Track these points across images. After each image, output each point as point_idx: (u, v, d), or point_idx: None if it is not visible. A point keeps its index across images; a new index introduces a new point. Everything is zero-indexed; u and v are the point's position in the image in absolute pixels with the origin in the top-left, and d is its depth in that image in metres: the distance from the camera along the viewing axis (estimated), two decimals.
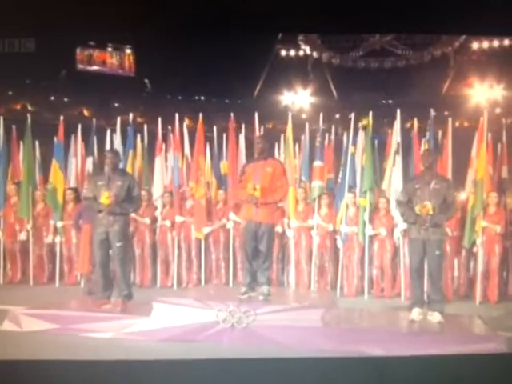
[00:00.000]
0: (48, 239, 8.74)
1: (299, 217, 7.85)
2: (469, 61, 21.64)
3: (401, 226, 7.38)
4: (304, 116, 25.57)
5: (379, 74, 22.39)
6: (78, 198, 8.90)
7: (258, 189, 5.51)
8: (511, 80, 21.18)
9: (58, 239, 8.72)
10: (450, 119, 8.11)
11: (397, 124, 7.86)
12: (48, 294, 7.97)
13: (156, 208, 8.71)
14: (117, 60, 25.67)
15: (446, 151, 7.82)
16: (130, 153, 8.67)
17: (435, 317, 5.25)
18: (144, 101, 25.37)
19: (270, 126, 22.59)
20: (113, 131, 9.37)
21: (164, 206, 8.64)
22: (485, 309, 6.66)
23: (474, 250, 7.25)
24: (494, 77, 21.65)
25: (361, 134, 8.38)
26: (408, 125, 20.07)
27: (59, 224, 8.65)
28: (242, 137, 9.17)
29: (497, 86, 21.99)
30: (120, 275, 6.07)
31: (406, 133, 9.25)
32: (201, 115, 8.73)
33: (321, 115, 9.00)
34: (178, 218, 8.39)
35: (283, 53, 26.70)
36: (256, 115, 9.34)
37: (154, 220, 8.64)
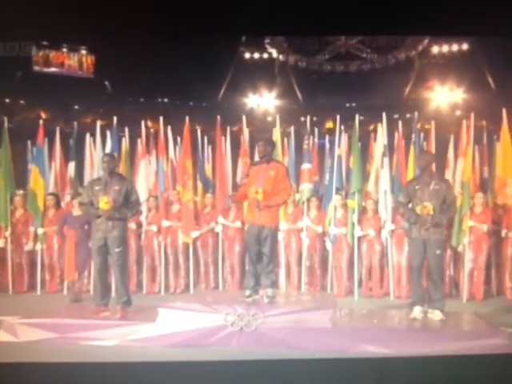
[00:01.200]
0: (28, 246, 8.48)
1: (289, 219, 7.90)
2: (431, 64, 22.28)
3: (388, 226, 7.56)
4: (269, 119, 25.82)
5: (344, 77, 22.75)
6: (58, 204, 8.71)
7: (261, 192, 5.55)
8: (471, 83, 21.97)
9: (38, 246, 8.50)
10: (433, 122, 8.32)
11: (383, 127, 8.00)
12: (30, 303, 7.75)
13: (141, 213, 8.58)
14: (75, 61, 25.14)
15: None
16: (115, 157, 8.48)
17: (436, 315, 5.39)
18: (104, 103, 24.91)
19: (236, 129, 22.69)
20: (92, 135, 9.22)
21: (149, 210, 8.52)
22: (473, 306, 6.84)
23: (459, 249, 7.47)
24: (454, 80, 22.40)
25: (344, 136, 8.50)
26: (371, 127, 20.62)
27: (40, 231, 8.43)
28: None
29: (457, 89, 22.76)
30: (119, 281, 5.95)
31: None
32: (187, 118, 8.63)
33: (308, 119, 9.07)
34: (165, 223, 8.29)
35: (247, 55, 26.78)
36: (218, 118, 9.30)
37: (139, 225, 8.53)
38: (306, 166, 7.99)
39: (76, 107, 25.27)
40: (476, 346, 4.70)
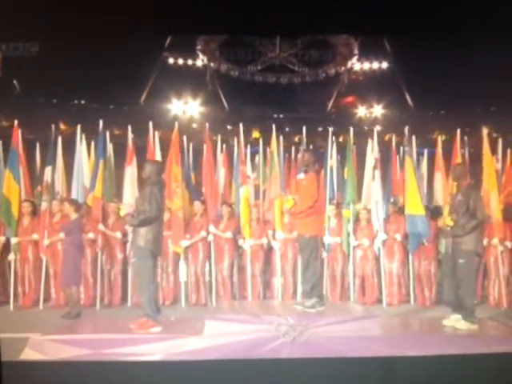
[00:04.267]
0: None
1: (285, 228, 8.00)
2: (356, 80, 23.48)
3: (380, 236, 7.92)
4: (195, 125, 25.70)
5: (273, 89, 23.28)
6: (34, 212, 8.13)
7: (289, 200, 5.70)
8: (391, 99, 23.48)
9: (12, 257, 7.89)
10: (413, 136, 8.78)
11: (374, 140, 8.37)
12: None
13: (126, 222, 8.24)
14: None
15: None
16: (101, 162, 8.10)
17: (462, 324, 5.61)
18: (12, 103, 23.43)
19: (160, 134, 22.32)
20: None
21: None
22: None
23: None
24: (375, 96, 23.83)
25: (334, 147, 8.76)
26: (296, 138, 21.32)
27: (14, 240, 7.83)
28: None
29: (377, 106, 24.22)
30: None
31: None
32: (176, 124, 8.48)
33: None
34: None
35: (171, 60, 26.52)
36: (207, 125, 9.34)
37: (125, 234, 8.19)
38: (301, 176, 8.10)
39: None
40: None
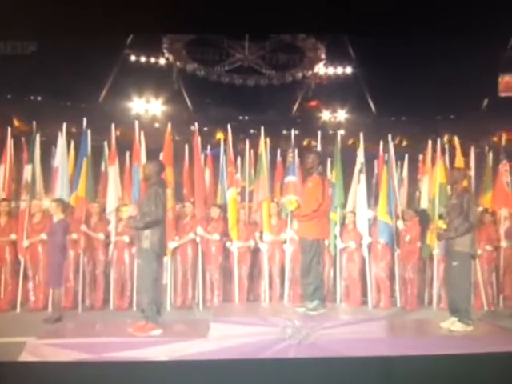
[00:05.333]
0: None
1: (273, 231, 7.98)
2: (321, 85, 23.74)
3: (366, 239, 8.03)
4: (157, 125, 25.32)
5: (240, 90, 23.25)
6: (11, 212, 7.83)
7: (292, 202, 5.72)
8: (355, 105, 23.88)
9: None
10: (390, 142, 8.90)
11: (361, 146, 8.47)
12: None
13: (109, 222, 8.04)
14: None
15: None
16: (84, 161, 7.84)
17: (457, 326, 5.67)
18: None
19: (118, 133, 21.90)
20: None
21: (120, 219, 8.01)
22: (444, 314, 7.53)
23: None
24: (339, 101, 24.17)
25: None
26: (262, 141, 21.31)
27: None
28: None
29: (341, 110, 24.59)
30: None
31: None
32: (169, 124, 8.35)
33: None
34: None
35: (133, 58, 26.06)
36: (197, 125, 9.25)
37: (107, 235, 7.99)
38: (290, 178, 8.11)
39: None
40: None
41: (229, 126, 8.77)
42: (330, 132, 23.39)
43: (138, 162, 8.10)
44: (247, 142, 9.11)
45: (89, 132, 8.08)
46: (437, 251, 7.90)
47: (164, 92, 25.44)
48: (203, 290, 7.91)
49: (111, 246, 7.99)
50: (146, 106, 25.77)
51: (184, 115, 25.26)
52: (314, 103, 24.47)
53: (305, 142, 23.14)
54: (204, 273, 7.95)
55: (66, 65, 21.01)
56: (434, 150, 8.32)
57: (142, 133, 8.31)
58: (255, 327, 5.16)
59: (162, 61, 24.44)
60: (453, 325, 5.75)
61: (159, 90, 25.32)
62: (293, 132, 9.26)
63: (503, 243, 7.90)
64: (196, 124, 8.39)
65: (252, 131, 23.46)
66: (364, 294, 8.07)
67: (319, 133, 9.04)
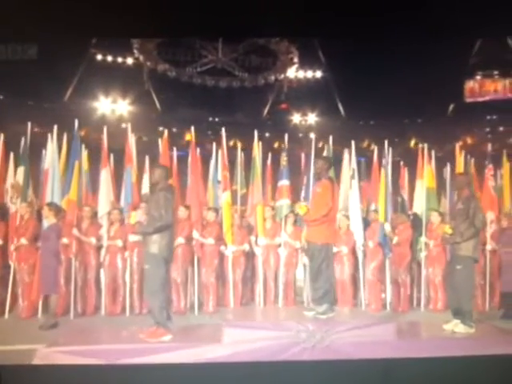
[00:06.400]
0: None
1: (267, 234, 8.00)
2: (292, 88, 23.89)
3: (360, 242, 8.14)
4: (124, 125, 24.89)
5: (211, 92, 23.13)
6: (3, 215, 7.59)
7: (302, 207, 5.80)
8: (325, 108, 24.14)
9: None
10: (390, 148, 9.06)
11: (351, 151, 8.57)
12: None
13: (101, 226, 7.88)
14: None
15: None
16: (76, 164, 7.65)
17: (460, 328, 5.81)
18: None
19: (83, 134, 21.45)
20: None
21: (111, 223, 7.88)
22: (433, 316, 7.76)
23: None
24: (310, 104, 24.38)
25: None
26: (231, 143, 21.34)
27: None
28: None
29: (311, 114, 24.79)
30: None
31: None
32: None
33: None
34: (132, 237, 7.72)
35: (99, 57, 25.56)
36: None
37: (99, 239, 7.83)
38: (284, 182, 8.17)
39: None
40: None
41: (223, 130, 8.66)
42: (300, 135, 23.66)
43: (131, 164, 8.01)
44: (239, 145, 9.14)
45: (78, 135, 7.94)
46: (424, 254, 8.12)
47: (131, 92, 25.02)
48: (199, 293, 7.85)
49: (103, 251, 7.84)
50: (113, 106, 25.33)
51: (152, 116, 24.96)
52: (284, 106, 24.60)
53: (276, 145, 23.25)
54: (199, 276, 7.90)
55: (29, 63, 20.41)
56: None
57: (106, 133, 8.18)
58: (269, 332, 5.17)
59: (130, 60, 24.01)
60: (456, 327, 5.91)
61: (126, 89, 24.89)
62: (255, 133, 8.81)
63: (489, 246, 8.14)
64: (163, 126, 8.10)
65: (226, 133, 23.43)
66: (354, 296, 8.23)
67: (286, 135, 9.01)
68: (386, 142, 8.44)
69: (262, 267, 7.99)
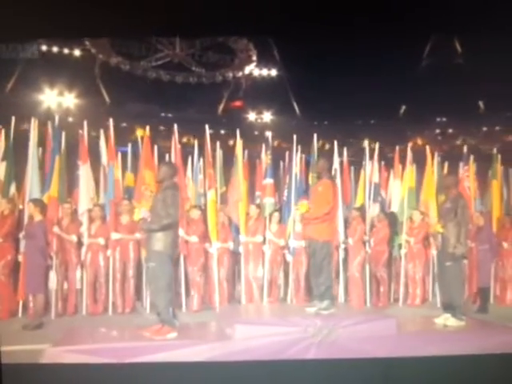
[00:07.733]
0: None
1: (248, 232, 7.97)
2: (248, 86, 23.88)
3: (340, 239, 8.29)
4: (70, 119, 24.09)
5: (164, 86, 22.77)
6: None
7: (302, 205, 5.88)
8: (280, 107, 24.32)
9: None
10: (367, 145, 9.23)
11: (335, 149, 8.71)
12: None
13: (81, 224, 7.62)
14: None
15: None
16: (56, 159, 7.35)
17: (451, 321, 6.09)
18: None
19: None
20: None
21: (92, 221, 7.65)
22: (413, 310, 8.02)
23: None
24: (265, 103, 24.48)
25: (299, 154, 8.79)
26: (185, 139, 21.16)
27: None
28: None
29: (266, 112, 24.93)
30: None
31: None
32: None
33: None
34: (114, 235, 7.55)
35: (44, 48, 24.58)
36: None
37: (80, 237, 7.58)
38: (268, 180, 8.20)
39: None
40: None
41: (206, 127, 8.51)
42: (256, 133, 23.72)
43: (113, 161, 7.79)
44: (218, 143, 9.06)
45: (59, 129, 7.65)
46: (404, 251, 8.39)
47: (79, 85, 24.21)
48: (186, 291, 7.75)
49: (84, 249, 7.60)
50: (59, 99, 24.45)
51: (100, 109, 24.27)
52: (240, 104, 24.58)
53: (231, 142, 23.19)
54: (186, 274, 7.80)
55: None
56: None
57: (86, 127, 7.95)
58: (278, 327, 5.23)
59: (77, 52, 23.23)
60: (447, 320, 6.18)
61: (73, 82, 24.09)
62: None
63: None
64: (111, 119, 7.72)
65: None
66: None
67: (238, 131, 8.74)
68: (336, 142, 8.78)
69: (244, 264, 7.98)
